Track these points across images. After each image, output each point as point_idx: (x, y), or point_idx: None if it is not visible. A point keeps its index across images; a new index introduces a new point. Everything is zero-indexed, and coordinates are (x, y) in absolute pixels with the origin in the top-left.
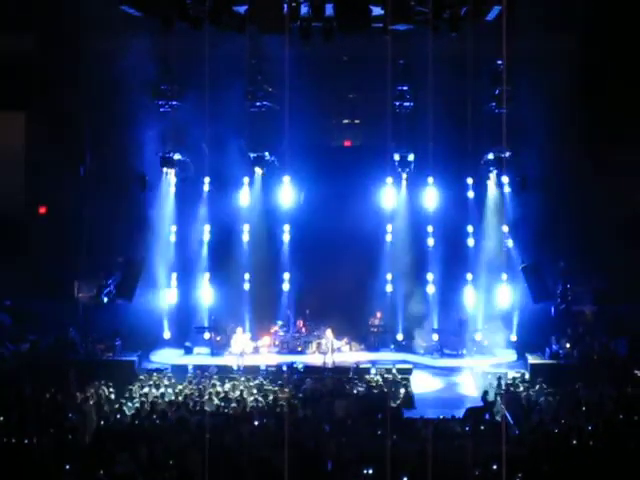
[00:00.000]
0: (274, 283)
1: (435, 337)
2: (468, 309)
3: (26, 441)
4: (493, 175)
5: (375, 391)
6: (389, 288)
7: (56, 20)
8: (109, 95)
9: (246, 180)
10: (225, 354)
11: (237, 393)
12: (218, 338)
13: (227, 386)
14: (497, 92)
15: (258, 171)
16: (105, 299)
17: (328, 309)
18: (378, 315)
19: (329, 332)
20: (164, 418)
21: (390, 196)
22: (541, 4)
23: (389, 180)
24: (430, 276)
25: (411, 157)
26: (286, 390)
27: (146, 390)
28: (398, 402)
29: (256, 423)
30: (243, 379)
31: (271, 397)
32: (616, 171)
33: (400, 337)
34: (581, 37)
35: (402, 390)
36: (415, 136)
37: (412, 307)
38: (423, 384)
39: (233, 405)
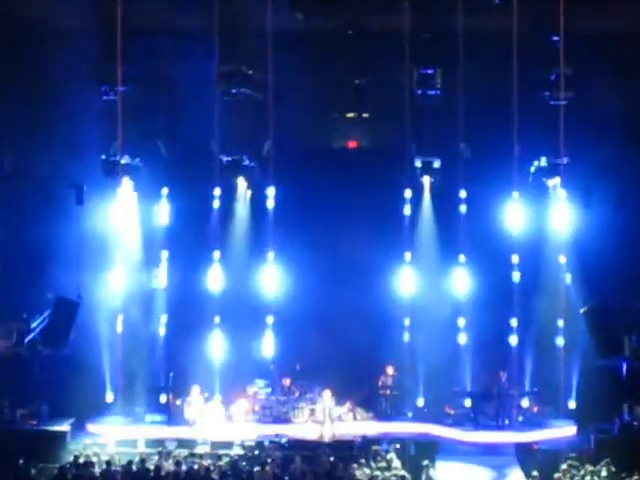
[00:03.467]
0: (253, 328)
1: (467, 403)
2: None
3: None
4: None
5: (387, 474)
6: (406, 336)
7: None
8: (36, 78)
9: (217, 192)
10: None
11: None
12: (178, 402)
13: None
14: (553, 77)
15: (241, 182)
16: (28, 348)
17: (325, 364)
18: (390, 372)
19: (326, 395)
20: None
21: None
22: None
23: (408, 193)
24: (462, 321)
25: (437, 163)
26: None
27: (82, 469)
28: None
29: None
30: (209, 458)
31: None
32: None
33: (421, 402)
34: None
35: (424, 475)
36: (443, 135)
37: None
38: (453, 467)
39: None
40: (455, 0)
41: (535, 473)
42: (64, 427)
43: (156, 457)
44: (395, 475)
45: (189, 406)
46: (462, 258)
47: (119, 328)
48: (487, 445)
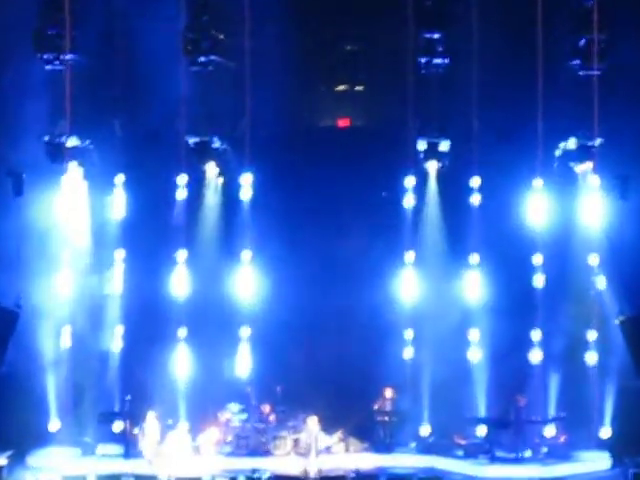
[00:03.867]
0: (226, 342)
1: (481, 431)
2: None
3: None
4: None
5: None
6: (408, 352)
7: None
8: None
9: (182, 180)
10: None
11: None
12: (136, 430)
13: None
14: (583, 43)
15: (211, 168)
16: None
17: (311, 386)
18: (388, 394)
19: (312, 422)
20: None
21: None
22: None
23: (410, 181)
24: (474, 334)
25: (445, 145)
26: None
27: None
28: None
29: None
30: None
31: None
32: None
33: (425, 430)
34: None
35: None
36: (451, 112)
37: None
38: None
39: None
40: None
41: None
42: (0, 460)
43: None
44: None
45: (144, 436)
46: (474, 258)
47: (66, 342)
48: None
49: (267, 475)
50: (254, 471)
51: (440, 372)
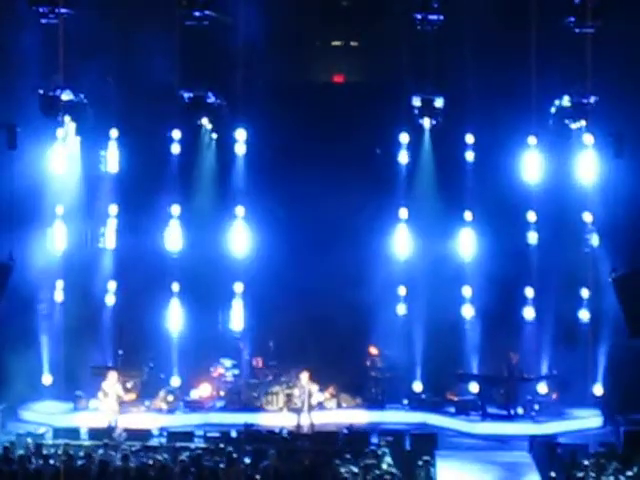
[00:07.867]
0: (219, 297)
1: (473, 388)
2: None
3: None
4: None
5: (378, 472)
6: (401, 309)
7: None
8: None
9: (176, 135)
10: (142, 408)
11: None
12: (129, 384)
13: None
14: (578, 0)
15: (205, 123)
16: None
17: (304, 341)
18: (380, 351)
19: (305, 378)
20: None
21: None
22: None
23: (404, 138)
24: (468, 291)
25: (439, 102)
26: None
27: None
28: None
29: None
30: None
31: None
32: None
33: (418, 387)
34: None
35: (421, 473)
36: (446, 68)
37: None
38: (456, 465)
39: None
40: None
41: (553, 474)
42: None
43: (101, 450)
44: (387, 473)
45: (105, 395)
46: (468, 216)
47: (59, 296)
48: (496, 438)
49: (285, 431)
50: (246, 425)
51: (433, 328)
